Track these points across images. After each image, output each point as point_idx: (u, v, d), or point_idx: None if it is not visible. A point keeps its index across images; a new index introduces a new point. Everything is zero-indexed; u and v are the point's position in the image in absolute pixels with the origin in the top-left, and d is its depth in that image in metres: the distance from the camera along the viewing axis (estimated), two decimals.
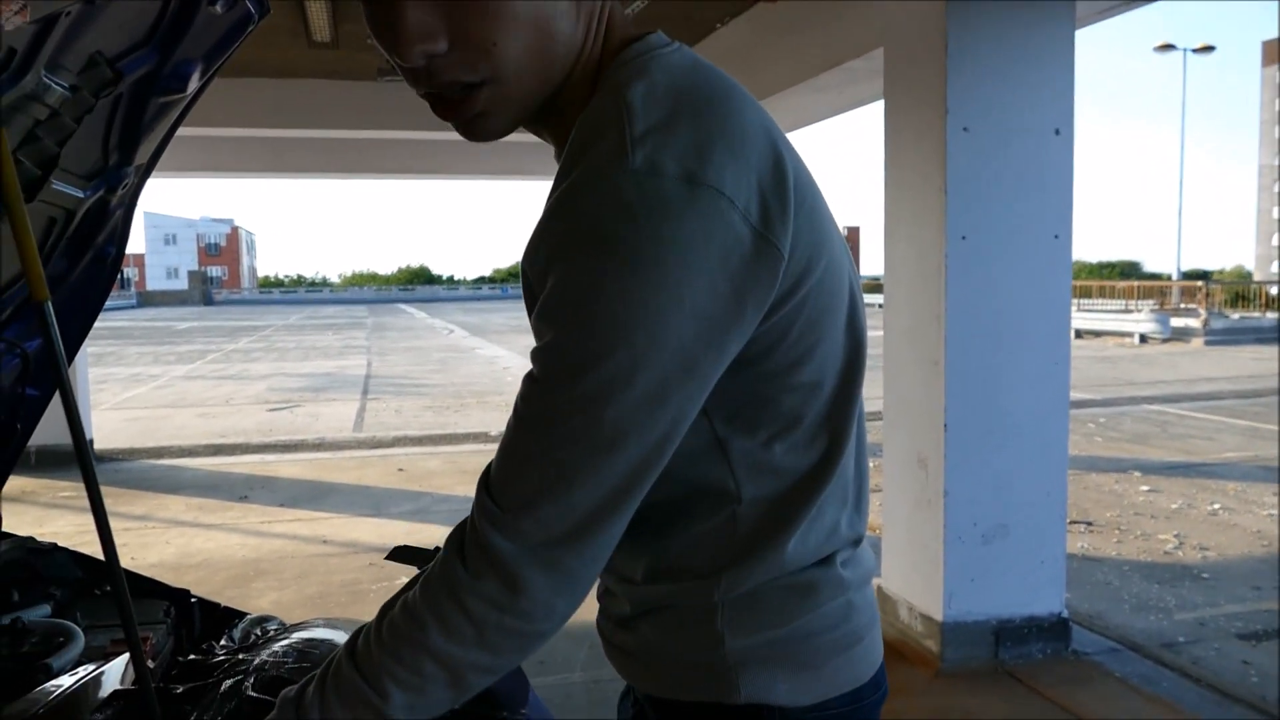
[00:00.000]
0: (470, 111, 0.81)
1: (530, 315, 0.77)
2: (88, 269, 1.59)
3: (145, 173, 1.56)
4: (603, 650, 1.01)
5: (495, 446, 0.77)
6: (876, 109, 4.47)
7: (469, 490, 6.46)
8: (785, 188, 0.75)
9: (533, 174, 9.67)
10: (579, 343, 0.70)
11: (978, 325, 3.56)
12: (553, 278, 0.72)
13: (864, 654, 0.91)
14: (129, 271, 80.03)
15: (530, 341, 0.76)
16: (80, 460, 0.73)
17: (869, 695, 0.91)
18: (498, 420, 9.92)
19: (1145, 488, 6.72)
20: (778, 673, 0.86)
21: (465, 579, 0.75)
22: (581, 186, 0.71)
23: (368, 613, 1.69)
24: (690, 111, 0.74)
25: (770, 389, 0.82)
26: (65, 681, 1.24)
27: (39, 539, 1.75)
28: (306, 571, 4.82)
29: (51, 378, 1.63)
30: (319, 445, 8.64)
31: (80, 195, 1.44)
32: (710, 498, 0.85)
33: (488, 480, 0.77)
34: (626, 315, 0.69)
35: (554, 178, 0.79)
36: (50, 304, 0.64)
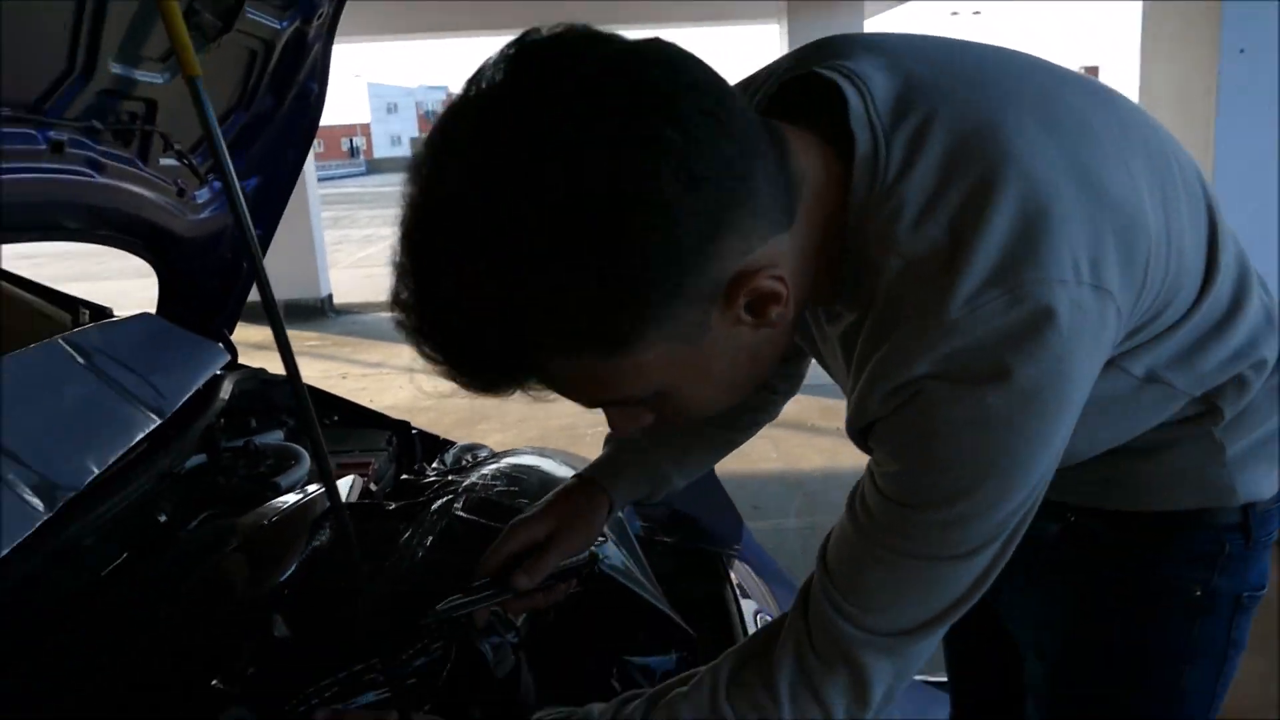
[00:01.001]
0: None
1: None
2: (293, 105, 1.60)
3: (339, 2, 1.53)
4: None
5: None
6: None
7: None
8: (1104, 224, 0.67)
9: (744, 18, 9.27)
10: (939, 481, 0.68)
11: (1254, 154, 3.10)
12: (898, 413, 0.67)
13: None
14: (357, 140, 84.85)
15: None
16: (257, 279, 0.71)
17: None
18: None
19: None
20: (1261, 468, 0.91)
21: (817, 666, 0.74)
22: (907, 340, 0.65)
23: (580, 452, 1.68)
24: (976, 225, 0.64)
25: (1162, 334, 0.79)
26: (292, 498, 1.31)
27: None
28: (527, 416, 5.05)
29: (267, 216, 1.68)
30: None
31: (277, 26, 1.43)
32: (1182, 417, 0.86)
33: (827, 564, 0.75)
34: (993, 451, 0.66)
35: (846, 327, 0.74)
36: (200, 81, 0.59)
